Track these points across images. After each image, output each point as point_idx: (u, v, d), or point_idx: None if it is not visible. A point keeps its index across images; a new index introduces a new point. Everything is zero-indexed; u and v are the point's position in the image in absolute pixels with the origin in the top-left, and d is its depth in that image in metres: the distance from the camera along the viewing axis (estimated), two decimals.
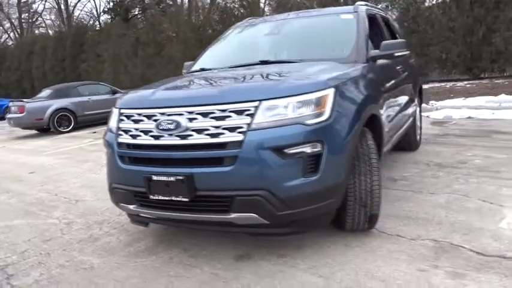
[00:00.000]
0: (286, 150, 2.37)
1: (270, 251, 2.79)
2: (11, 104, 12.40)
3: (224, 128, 2.41)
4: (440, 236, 2.82)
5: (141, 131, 2.66)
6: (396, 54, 3.41)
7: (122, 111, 2.85)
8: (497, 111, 7.54)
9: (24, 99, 12.69)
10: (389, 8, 13.70)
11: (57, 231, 3.59)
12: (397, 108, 3.95)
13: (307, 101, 2.45)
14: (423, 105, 9.01)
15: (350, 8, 3.86)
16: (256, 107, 2.40)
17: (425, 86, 12.51)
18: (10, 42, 41.80)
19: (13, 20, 43.33)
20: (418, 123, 5.56)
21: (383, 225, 3.08)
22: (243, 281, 2.46)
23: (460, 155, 4.93)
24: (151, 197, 2.58)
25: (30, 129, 12.45)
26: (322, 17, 3.95)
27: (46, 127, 11.80)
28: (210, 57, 3.98)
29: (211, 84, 2.85)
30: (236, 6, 18.11)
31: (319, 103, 2.47)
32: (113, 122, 2.91)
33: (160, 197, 2.55)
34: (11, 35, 44.45)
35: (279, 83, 2.60)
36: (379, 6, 7.62)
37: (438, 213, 3.21)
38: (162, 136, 2.55)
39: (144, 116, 2.69)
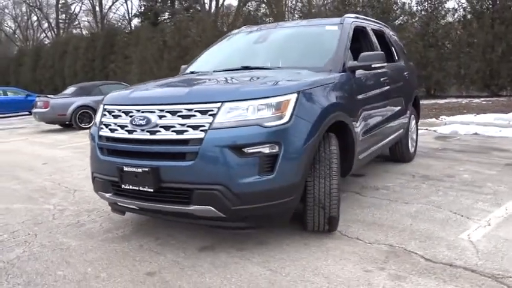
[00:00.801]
0: (243, 149, 2.55)
1: (232, 245, 2.96)
2: (37, 99, 13.04)
3: (188, 126, 2.62)
4: (397, 242, 2.92)
5: (118, 126, 2.90)
6: (376, 65, 3.54)
7: (105, 107, 3.10)
8: (504, 129, 7.47)
9: (49, 95, 13.31)
10: (409, 21, 13.69)
11: (49, 216, 3.87)
12: (379, 118, 4.06)
13: (267, 105, 2.62)
14: (432, 119, 9.07)
15: (337, 19, 4.01)
16: (219, 108, 2.59)
17: (440, 101, 12.49)
18: (47, 41, 43.62)
19: (51, 21, 45.25)
20: (413, 136, 5.62)
21: (347, 228, 3.20)
22: (198, 269, 2.64)
23: (450, 169, 4.97)
24: (123, 186, 2.81)
25: (54, 124, 13.03)
26: (309, 27, 4.13)
27: (68, 123, 12.33)
28: (201, 62, 4.21)
29: (185, 85, 3.05)
30: (259, 14, 18.39)
31: (279, 107, 2.64)
32: (97, 117, 3.16)
33: (130, 187, 2.77)
34: (48, 34, 46.42)
35: (242, 86, 2.80)
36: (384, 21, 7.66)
37: (404, 222, 3.31)
38: (135, 131, 2.78)
39: (123, 112, 2.92)
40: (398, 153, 5.26)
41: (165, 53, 22.41)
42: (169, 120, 2.68)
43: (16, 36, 51.66)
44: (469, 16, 12.53)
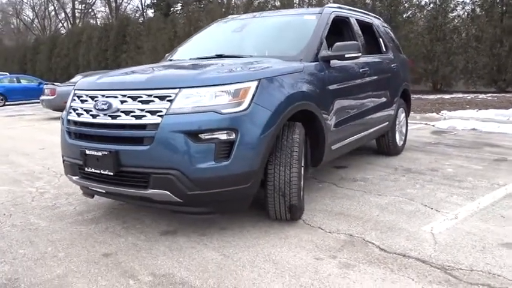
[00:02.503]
0: (199, 135, 2.57)
1: (195, 230, 3.00)
2: (44, 86, 13.26)
3: (147, 111, 2.66)
4: (358, 232, 2.93)
5: (84, 110, 2.96)
6: (350, 55, 3.51)
7: (75, 91, 3.16)
8: (503, 125, 7.33)
9: (56, 83, 13.52)
10: (418, 15, 13.47)
11: (28, 198, 3.97)
12: (357, 109, 4.04)
13: (225, 92, 2.64)
14: (432, 114, 8.95)
15: (316, 9, 3.99)
16: (176, 94, 2.62)
17: (446, 96, 12.29)
18: (63, 31, 44.16)
19: (67, 10, 45.82)
20: (402, 129, 5.57)
21: (312, 217, 3.21)
22: (154, 252, 2.69)
23: (436, 163, 4.92)
24: (86, 169, 2.87)
25: (61, 111, 13.20)
26: (287, 16, 4.12)
27: None
28: (182, 50, 4.24)
29: (149, 72, 3.09)
30: (269, 6, 18.31)
31: (237, 94, 2.66)
32: (68, 102, 3.22)
33: (93, 170, 2.83)
34: (65, 24, 47.03)
35: (201, 73, 2.82)
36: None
37: (371, 213, 3.30)
38: (98, 115, 2.83)
39: (89, 96, 2.98)
40: (385, 146, 5.23)
41: (175, 43, 22.43)
42: (129, 105, 2.72)
43: (34, 25, 52.50)
44: (478, 10, 12.25)
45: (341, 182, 4.21)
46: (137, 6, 41.18)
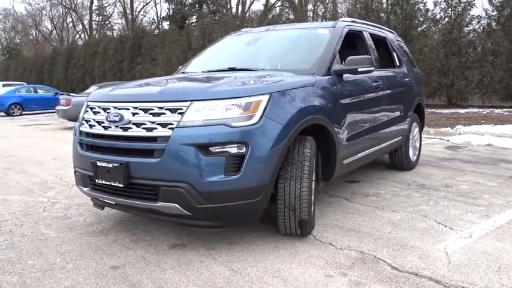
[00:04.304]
0: (209, 148, 2.57)
1: (204, 244, 2.98)
2: (60, 97, 13.47)
3: (158, 124, 2.66)
4: (369, 249, 2.87)
5: (96, 122, 2.98)
6: (362, 69, 3.49)
7: (88, 103, 3.18)
8: None
9: (72, 94, 13.72)
10: (432, 28, 13.39)
11: (40, 208, 4.00)
12: (370, 124, 4.00)
13: (236, 105, 2.64)
14: (447, 129, 8.84)
15: (330, 23, 3.99)
16: (187, 107, 2.62)
17: (461, 111, 12.14)
18: (80, 42, 45.07)
19: (85, 22, 46.76)
20: (416, 144, 5.50)
21: (322, 233, 3.17)
22: (162, 265, 2.67)
23: (450, 179, 4.84)
24: (97, 180, 2.87)
25: (75, 122, 13.38)
26: (300, 30, 4.12)
27: None
28: (195, 62, 4.27)
29: (161, 84, 3.10)
30: (283, 19, 18.42)
31: (248, 107, 2.65)
32: (81, 113, 3.24)
33: (103, 182, 2.83)
34: (82, 36, 47.96)
35: (213, 86, 2.82)
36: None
37: (383, 229, 3.24)
38: (110, 127, 2.84)
39: (102, 108, 3.00)
40: (398, 161, 5.16)
41: (190, 55, 22.67)
42: (141, 117, 2.73)
43: (52, 36, 53.67)
44: (493, 24, 12.14)
45: (353, 196, 4.15)
46: (153, 19, 41.89)
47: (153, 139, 2.66)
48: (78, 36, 49.70)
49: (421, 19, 14.05)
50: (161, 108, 2.69)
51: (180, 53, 23.51)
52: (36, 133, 11.55)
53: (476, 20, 13.24)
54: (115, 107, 2.89)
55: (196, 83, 3.14)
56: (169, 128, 2.62)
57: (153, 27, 37.50)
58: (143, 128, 2.69)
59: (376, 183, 4.68)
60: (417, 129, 5.50)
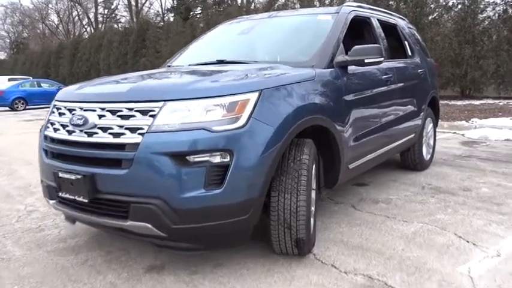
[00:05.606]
0: (186, 157, 2.14)
1: (186, 266, 2.57)
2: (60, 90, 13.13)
3: (126, 128, 2.24)
4: (379, 273, 2.44)
5: (61, 125, 2.56)
6: (370, 60, 3.03)
7: (55, 103, 2.77)
8: None
9: None
10: (445, 16, 12.76)
11: (13, 218, 3.62)
12: (380, 121, 3.55)
13: (218, 105, 2.21)
14: (461, 122, 8.32)
15: (333, 8, 3.52)
16: (160, 108, 2.20)
17: (475, 102, 11.56)
18: (86, 36, 44.79)
19: (90, 15, 46.47)
20: (430, 141, 5.03)
21: (324, 251, 2.74)
22: None
23: (468, 181, 4.37)
24: (60, 194, 2.47)
25: None
26: (300, 17, 3.65)
27: None
28: (184, 55, 3.83)
29: (134, 81, 2.67)
30: (288, 9, 17.86)
31: (232, 108, 2.22)
32: (47, 115, 2.84)
33: (67, 195, 2.43)
34: (88, 29, 47.69)
35: (192, 83, 2.38)
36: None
37: (395, 246, 2.81)
38: (74, 131, 2.43)
39: (68, 109, 2.58)
40: (410, 161, 4.70)
41: None
42: (108, 120, 2.31)
43: (59, 30, 53.49)
44: (510, 10, 11.49)
45: (360, 203, 3.71)
46: (157, 11, 41.35)
47: (121, 147, 2.24)
48: (84, 29, 49.43)
49: (432, 6, 13.40)
50: (131, 109, 2.27)
51: (184, 45, 23.00)
52: (35, 128, 11.16)
53: (491, 7, 12.59)
54: (81, 108, 2.47)
55: (174, 79, 2.71)
56: (139, 134, 2.19)
57: (158, 19, 37.03)
58: (110, 134, 2.27)
59: (386, 187, 4.23)
60: (431, 125, 5.02)
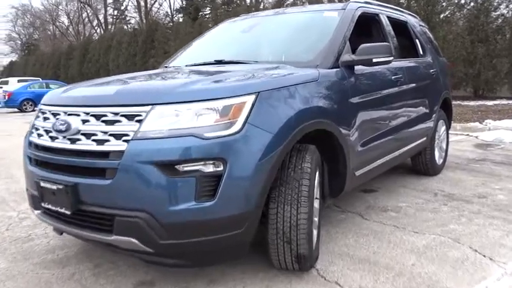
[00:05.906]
0: (175, 167, 1.96)
1: (176, 283, 2.38)
2: None
3: (111, 134, 2.06)
4: None
5: (45, 130, 2.39)
6: (378, 60, 2.81)
7: (41, 107, 2.60)
8: None
9: None
10: (457, 14, 12.44)
11: (4, 226, 3.48)
12: (389, 125, 3.34)
13: (211, 109, 2.02)
14: (475, 124, 8.04)
15: (339, 5, 3.31)
16: (148, 112, 2.02)
17: (489, 103, 11.24)
18: (96, 37, 44.99)
19: (100, 17, 46.69)
20: (442, 144, 4.79)
21: (328, 266, 2.53)
22: None
23: (483, 187, 4.13)
24: (43, 204, 2.30)
25: None
26: (304, 14, 3.45)
27: None
28: (183, 55, 3.65)
29: (123, 83, 2.48)
30: None
31: (226, 112, 2.03)
32: (33, 119, 2.67)
33: (50, 206, 2.26)
34: (98, 31, 47.93)
35: (182, 85, 2.19)
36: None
37: (405, 260, 2.59)
38: (57, 138, 2.26)
39: (52, 113, 2.41)
40: (422, 165, 4.47)
41: None
42: (92, 126, 2.14)
43: (69, 31, 53.86)
44: None
45: (368, 212, 3.49)
46: (166, 12, 41.39)
47: (105, 154, 2.06)
48: (94, 31, 49.68)
49: (444, 4, 13.09)
50: (116, 114, 2.09)
51: None
52: None
53: (505, 4, 12.25)
54: (65, 112, 2.30)
55: (163, 81, 2.52)
56: (124, 141, 2.01)
57: (167, 19, 37.01)
58: (93, 140, 2.10)
59: (395, 193, 4.00)
60: (444, 127, 4.78)
